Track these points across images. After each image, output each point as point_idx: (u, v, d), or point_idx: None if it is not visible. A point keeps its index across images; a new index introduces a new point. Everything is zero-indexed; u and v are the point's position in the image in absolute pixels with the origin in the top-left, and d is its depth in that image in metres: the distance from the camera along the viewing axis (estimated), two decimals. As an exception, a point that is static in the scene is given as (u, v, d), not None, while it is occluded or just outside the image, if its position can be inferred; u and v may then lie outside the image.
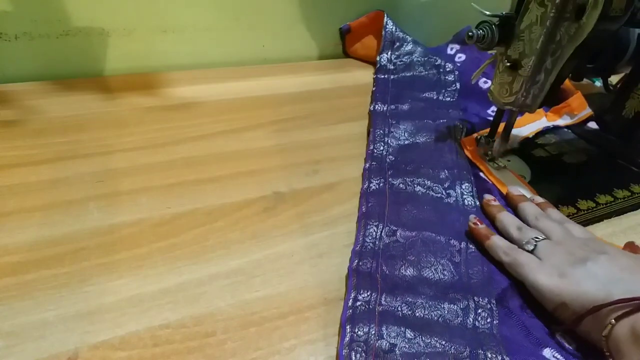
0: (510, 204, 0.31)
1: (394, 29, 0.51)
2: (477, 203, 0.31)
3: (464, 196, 0.32)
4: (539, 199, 0.31)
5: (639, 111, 0.37)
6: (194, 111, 0.40)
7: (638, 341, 0.19)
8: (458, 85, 0.45)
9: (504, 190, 0.33)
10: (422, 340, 0.22)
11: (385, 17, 0.51)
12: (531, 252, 0.25)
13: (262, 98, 0.43)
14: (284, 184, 0.31)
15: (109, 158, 0.32)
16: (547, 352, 0.22)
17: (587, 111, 0.42)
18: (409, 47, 0.50)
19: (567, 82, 0.45)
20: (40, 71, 0.42)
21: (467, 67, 0.46)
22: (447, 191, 0.32)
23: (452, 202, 0.31)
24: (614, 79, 0.44)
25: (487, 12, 0.29)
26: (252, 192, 0.30)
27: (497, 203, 0.30)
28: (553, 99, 0.42)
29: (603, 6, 0.24)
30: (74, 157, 0.32)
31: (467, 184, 0.33)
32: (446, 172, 0.34)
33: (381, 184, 0.33)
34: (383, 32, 0.51)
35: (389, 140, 0.39)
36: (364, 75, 0.49)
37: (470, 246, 0.27)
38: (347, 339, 0.21)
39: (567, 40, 0.26)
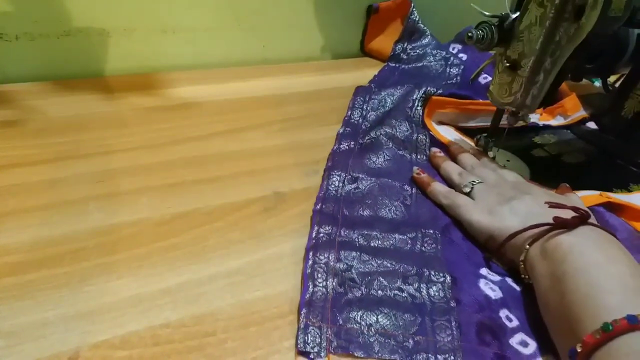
0: (451, 155, 0.35)
1: (416, 19, 0.51)
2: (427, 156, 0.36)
3: (418, 149, 0.36)
4: (476, 150, 0.35)
5: (638, 111, 0.37)
6: (194, 111, 0.40)
7: (545, 255, 0.22)
8: (459, 78, 0.45)
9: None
10: (375, 261, 0.25)
11: (412, 5, 0.51)
12: (468, 194, 0.29)
13: (262, 98, 0.43)
14: (284, 184, 0.31)
15: (109, 158, 0.32)
16: (484, 270, 0.26)
17: (581, 112, 0.42)
18: (425, 40, 0.51)
19: (563, 83, 0.45)
20: (40, 71, 0.42)
21: (468, 67, 0.46)
22: (405, 143, 0.36)
23: (407, 154, 0.35)
24: (613, 80, 0.44)
25: (487, 13, 0.29)
26: (252, 192, 0.30)
27: (442, 155, 0.35)
28: (551, 100, 0.43)
29: (602, 7, 0.24)
30: (74, 157, 0.32)
31: (422, 137, 0.37)
32: (407, 123, 0.38)
33: (351, 145, 0.36)
34: (406, 21, 0.51)
35: (368, 107, 0.42)
36: (365, 76, 0.49)
37: (420, 192, 0.31)
38: (310, 262, 0.25)
39: (567, 40, 0.26)
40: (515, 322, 0.23)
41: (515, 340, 0.22)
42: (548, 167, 0.36)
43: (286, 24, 0.51)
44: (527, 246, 0.23)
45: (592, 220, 0.23)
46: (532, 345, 0.22)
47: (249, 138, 0.37)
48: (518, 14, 0.28)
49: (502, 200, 0.27)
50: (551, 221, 0.23)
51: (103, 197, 0.28)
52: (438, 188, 0.30)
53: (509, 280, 0.25)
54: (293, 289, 0.23)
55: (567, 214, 0.23)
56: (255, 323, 0.21)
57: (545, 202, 0.25)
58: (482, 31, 0.29)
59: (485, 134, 0.35)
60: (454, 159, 0.34)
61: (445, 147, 0.37)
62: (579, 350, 0.18)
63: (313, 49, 0.55)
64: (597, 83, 0.51)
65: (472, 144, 0.37)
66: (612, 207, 0.30)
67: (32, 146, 0.33)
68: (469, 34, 0.29)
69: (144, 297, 0.22)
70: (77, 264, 0.23)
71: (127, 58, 0.45)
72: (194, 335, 0.20)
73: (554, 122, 0.43)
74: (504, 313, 0.23)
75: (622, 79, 0.40)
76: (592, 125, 0.42)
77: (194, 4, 0.45)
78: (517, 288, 0.25)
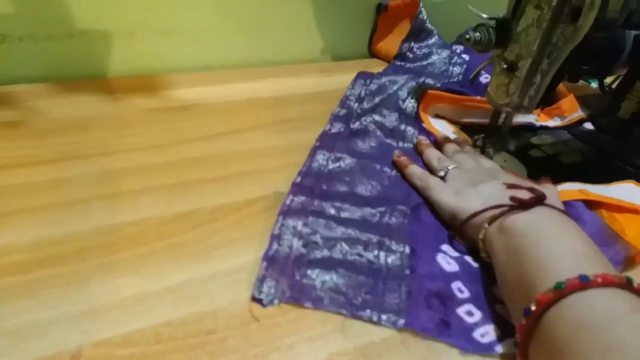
0: (437, 146, 0.36)
1: (424, 19, 0.52)
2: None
3: (406, 138, 0.37)
4: (460, 139, 0.37)
5: (635, 112, 0.38)
6: (196, 112, 0.40)
7: (502, 231, 0.23)
8: (461, 77, 0.46)
9: None
10: (340, 229, 0.26)
11: (420, 5, 0.51)
12: (443, 177, 0.30)
13: (264, 99, 0.44)
14: (285, 184, 0.31)
15: (111, 158, 0.32)
16: (445, 247, 0.27)
17: (579, 113, 0.43)
18: (432, 40, 0.52)
19: (560, 84, 0.45)
20: (43, 72, 0.42)
21: (471, 67, 0.47)
22: (393, 132, 0.37)
23: (393, 142, 0.36)
24: (610, 81, 0.44)
25: (484, 15, 0.29)
26: (253, 192, 0.30)
27: (427, 142, 0.36)
28: (548, 101, 0.43)
29: (599, 8, 0.25)
30: (76, 157, 0.32)
31: (410, 128, 0.38)
32: (397, 114, 0.39)
33: (341, 129, 0.38)
34: (414, 20, 0.51)
35: (367, 90, 0.43)
36: (364, 77, 0.49)
37: (399, 174, 0.33)
38: (278, 224, 0.26)
39: (563, 42, 0.27)
40: (466, 294, 0.24)
41: (462, 310, 0.23)
42: (545, 168, 0.36)
43: (288, 25, 0.52)
44: (486, 225, 0.25)
45: (548, 201, 0.24)
46: (477, 315, 0.23)
47: (250, 139, 0.37)
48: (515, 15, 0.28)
49: (471, 183, 0.28)
50: (507, 202, 0.24)
51: (105, 197, 0.28)
52: (414, 170, 0.32)
53: (468, 258, 0.26)
54: (293, 287, 0.23)
55: (524, 195, 0.24)
56: (255, 321, 0.21)
57: (504, 183, 0.27)
58: (480, 33, 0.29)
59: (483, 135, 0.36)
60: (439, 148, 0.36)
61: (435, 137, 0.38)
62: (533, 309, 0.18)
63: (315, 50, 0.55)
64: (594, 84, 0.52)
65: (464, 135, 0.38)
66: (591, 201, 0.30)
67: (35, 146, 0.33)
68: (467, 36, 0.29)
69: (146, 295, 0.22)
70: (79, 263, 0.24)
71: (129, 60, 0.45)
72: (195, 333, 0.21)
73: (551, 123, 0.43)
74: (456, 285, 0.24)
75: (618, 80, 0.40)
76: (589, 125, 0.42)
77: (196, 6, 0.46)
78: (475, 265, 0.26)
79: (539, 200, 0.24)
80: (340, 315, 0.22)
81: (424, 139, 0.36)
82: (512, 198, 0.24)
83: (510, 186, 0.26)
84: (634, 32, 0.35)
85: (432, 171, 0.32)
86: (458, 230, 0.27)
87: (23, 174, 0.30)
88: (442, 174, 0.31)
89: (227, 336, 0.21)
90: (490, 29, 0.29)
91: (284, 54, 0.53)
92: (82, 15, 0.41)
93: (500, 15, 0.29)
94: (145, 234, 0.26)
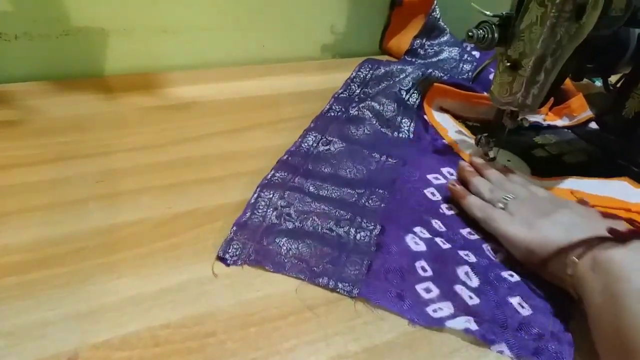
0: (477, 171, 0.33)
1: (438, 17, 0.51)
2: (411, 137, 0.37)
3: (401, 129, 0.38)
4: (499, 166, 0.34)
5: (639, 111, 0.37)
6: (194, 111, 0.40)
7: (596, 268, 0.21)
8: (471, 74, 0.46)
9: (442, 134, 0.38)
10: (315, 204, 0.27)
11: (435, 3, 0.51)
12: (502, 209, 0.28)
13: (262, 98, 0.43)
14: (285, 184, 0.31)
15: (109, 158, 0.32)
16: (417, 229, 0.27)
17: (588, 113, 0.42)
18: (444, 38, 0.52)
19: (570, 84, 0.45)
20: (40, 71, 0.42)
21: (480, 64, 0.47)
22: (389, 122, 0.38)
23: (389, 132, 0.37)
24: (614, 79, 0.44)
25: (488, 12, 0.29)
26: (252, 192, 0.30)
27: (471, 169, 0.33)
28: (555, 99, 0.43)
29: (603, 6, 0.24)
30: (74, 157, 0.32)
31: (406, 120, 0.39)
32: (395, 105, 0.39)
33: (339, 113, 0.38)
34: (428, 17, 0.51)
35: (373, 75, 0.44)
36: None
37: (389, 159, 0.33)
38: (255, 195, 0.27)
39: (567, 40, 0.26)
40: (429, 273, 0.24)
41: (420, 287, 0.23)
42: (549, 167, 0.36)
43: (286, 23, 0.51)
44: (576, 259, 0.22)
45: None
46: (435, 292, 0.23)
47: (249, 138, 0.37)
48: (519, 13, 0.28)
49: (541, 213, 0.26)
50: (597, 233, 0.22)
51: (104, 197, 0.28)
52: (474, 201, 0.29)
53: (438, 240, 0.26)
54: (293, 289, 0.23)
55: (620, 226, 0.22)
56: (255, 324, 0.21)
57: (593, 206, 0.25)
58: (483, 31, 0.29)
59: (486, 134, 0.35)
60: (477, 171, 0.33)
61: (439, 135, 0.38)
62: None
63: (313, 48, 0.55)
64: (598, 83, 0.51)
65: (466, 132, 0.38)
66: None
67: (33, 146, 0.33)
68: (470, 34, 0.29)
69: (145, 296, 0.22)
70: (78, 263, 0.23)
71: (126, 58, 0.45)
72: (194, 336, 0.20)
73: (560, 122, 0.43)
74: (420, 264, 0.24)
75: (623, 79, 0.39)
76: (593, 125, 0.42)
77: (194, 3, 0.45)
78: (444, 247, 0.26)
79: (637, 234, 0.22)
80: (340, 320, 0.22)
81: (467, 166, 0.33)
82: (611, 231, 0.22)
83: (605, 214, 0.24)
84: (638, 30, 0.35)
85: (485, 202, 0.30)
86: (539, 266, 0.24)
87: (20, 174, 0.30)
88: (501, 206, 0.28)
89: (226, 339, 0.20)
90: (493, 26, 0.28)
91: (282, 52, 0.53)
92: (78, 13, 0.41)
93: (504, 13, 0.29)
94: (143, 234, 0.26)
